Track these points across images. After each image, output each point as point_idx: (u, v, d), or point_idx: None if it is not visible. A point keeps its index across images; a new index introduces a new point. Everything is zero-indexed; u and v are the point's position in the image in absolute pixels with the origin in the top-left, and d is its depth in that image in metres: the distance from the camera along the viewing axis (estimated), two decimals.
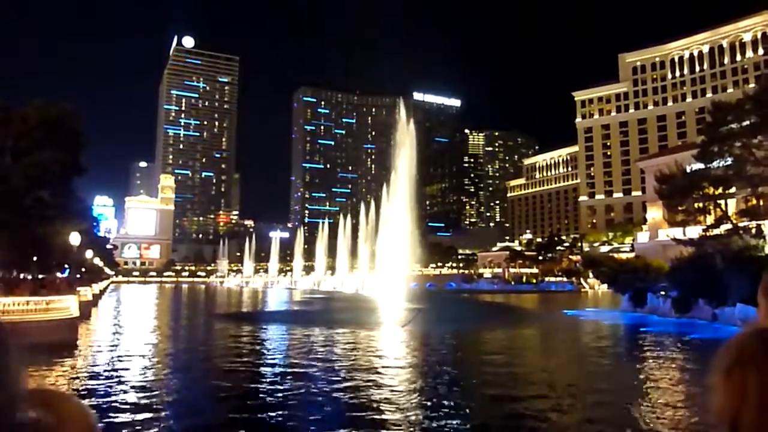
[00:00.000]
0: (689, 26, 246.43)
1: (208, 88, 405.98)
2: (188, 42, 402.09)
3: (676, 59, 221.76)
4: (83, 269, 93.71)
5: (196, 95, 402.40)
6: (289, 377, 24.98)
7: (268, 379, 24.87)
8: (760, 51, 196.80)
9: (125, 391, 21.64)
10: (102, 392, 21.54)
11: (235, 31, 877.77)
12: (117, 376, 25.05)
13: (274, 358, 31.85)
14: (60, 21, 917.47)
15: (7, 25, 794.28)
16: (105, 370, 26.85)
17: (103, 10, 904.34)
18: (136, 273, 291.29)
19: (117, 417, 17.45)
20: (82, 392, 21.68)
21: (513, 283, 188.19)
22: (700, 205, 59.27)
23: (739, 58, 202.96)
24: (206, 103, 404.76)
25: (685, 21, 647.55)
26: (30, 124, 41.76)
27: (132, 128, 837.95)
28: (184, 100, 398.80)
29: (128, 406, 19.02)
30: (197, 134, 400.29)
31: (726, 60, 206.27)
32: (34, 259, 59.99)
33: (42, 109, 42.45)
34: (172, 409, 19.28)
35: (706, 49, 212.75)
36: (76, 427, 1.17)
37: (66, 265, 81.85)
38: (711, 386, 1.38)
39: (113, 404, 19.34)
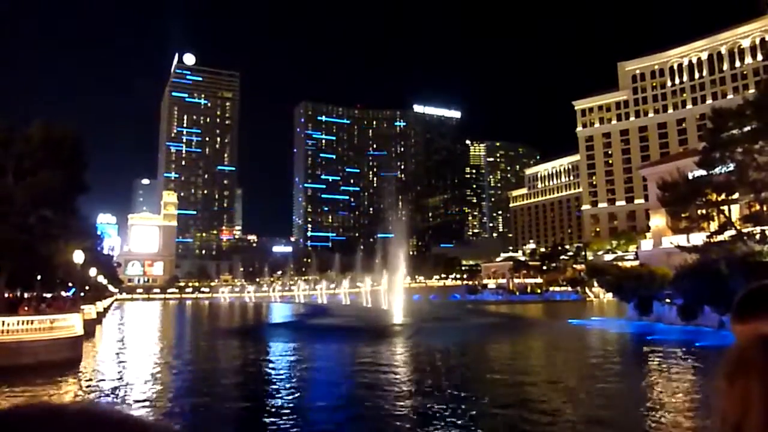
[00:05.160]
0: (687, 34, 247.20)
1: (209, 104, 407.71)
2: (189, 59, 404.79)
3: (675, 66, 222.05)
4: (87, 287, 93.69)
5: (198, 111, 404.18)
6: (289, 391, 24.85)
7: (270, 397, 24.77)
8: (759, 57, 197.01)
9: (129, 408, 21.57)
10: None
11: (235, 47, 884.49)
12: (120, 395, 24.96)
13: (279, 376, 31.71)
14: (61, 39, 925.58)
15: (9, 44, 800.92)
16: (109, 389, 26.77)
17: (105, 28, 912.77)
18: (140, 290, 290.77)
19: None
20: None
21: (517, 293, 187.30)
22: (704, 211, 59.09)
23: (738, 64, 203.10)
24: (208, 119, 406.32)
25: (683, 29, 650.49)
26: (33, 144, 41.95)
27: (134, 146, 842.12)
28: (185, 117, 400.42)
29: None
30: (199, 150, 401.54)
31: (725, 66, 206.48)
32: (38, 278, 60.04)
33: (44, 129, 42.64)
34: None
35: (704, 56, 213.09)
36: None
37: (70, 284, 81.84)
38: (714, 393, 1.39)
39: None
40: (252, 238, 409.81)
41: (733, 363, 1.40)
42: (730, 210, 57.77)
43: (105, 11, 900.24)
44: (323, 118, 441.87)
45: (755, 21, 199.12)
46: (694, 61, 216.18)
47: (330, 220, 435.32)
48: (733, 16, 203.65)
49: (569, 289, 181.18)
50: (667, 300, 61.78)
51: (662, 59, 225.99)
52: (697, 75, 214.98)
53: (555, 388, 25.65)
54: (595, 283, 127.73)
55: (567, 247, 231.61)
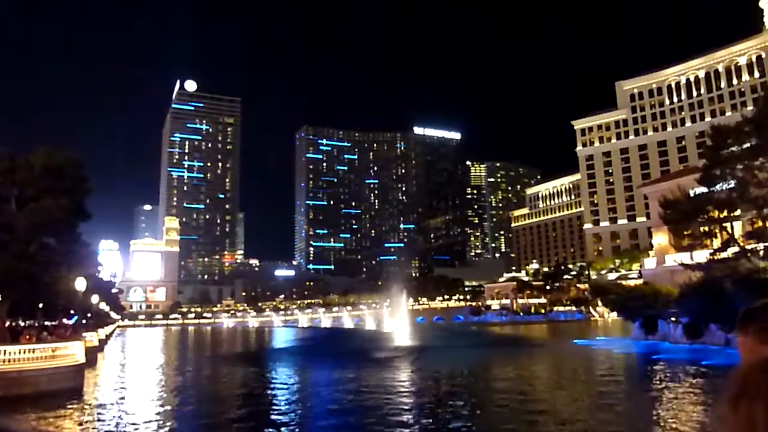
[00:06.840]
0: (684, 52, 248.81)
1: (210, 129, 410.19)
2: (191, 86, 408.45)
3: (673, 85, 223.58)
4: (89, 314, 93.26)
5: (199, 137, 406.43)
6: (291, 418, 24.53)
7: (274, 425, 24.47)
8: (756, 74, 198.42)
9: None
10: None
11: (236, 72, 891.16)
12: (122, 426, 24.68)
13: (283, 404, 31.37)
14: (62, 66, 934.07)
15: (11, 69, 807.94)
16: (111, 420, 26.47)
17: (106, 57, 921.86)
18: (142, 316, 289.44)
19: None
20: None
21: (521, 313, 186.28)
22: (706, 228, 58.86)
23: (735, 81, 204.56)
24: (209, 145, 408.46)
25: (679, 48, 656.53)
26: (35, 171, 42.08)
27: (136, 172, 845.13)
28: (187, 143, 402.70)
29: None
30: (201, 176, 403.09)
31: (723, 84, 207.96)
32: (40, 306, 59.86)
33: (46, 156, 42.80)
34: None
35: (702, 74, 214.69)
36: None
37: (72, 311, 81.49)
38: (718, 418, 1.37)
39: None
40: (254, 262, 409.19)
41: (738, 386, 1.38)
42: (732, 227, 57.61)
43: (106, 38, 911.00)
44: (324, 141, 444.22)
45: (751, 39, 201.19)
46: (692, 79, 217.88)
47: (332, 243, 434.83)
48: (729, 34, 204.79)
49: (573, 308, 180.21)
50: (673, 318, 61.32)
51: (660, 78, 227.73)
52: (695, 93, 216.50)
53: (562, 411, 25.34)
54: (600, 303, 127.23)
55: (570, 266, 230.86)
